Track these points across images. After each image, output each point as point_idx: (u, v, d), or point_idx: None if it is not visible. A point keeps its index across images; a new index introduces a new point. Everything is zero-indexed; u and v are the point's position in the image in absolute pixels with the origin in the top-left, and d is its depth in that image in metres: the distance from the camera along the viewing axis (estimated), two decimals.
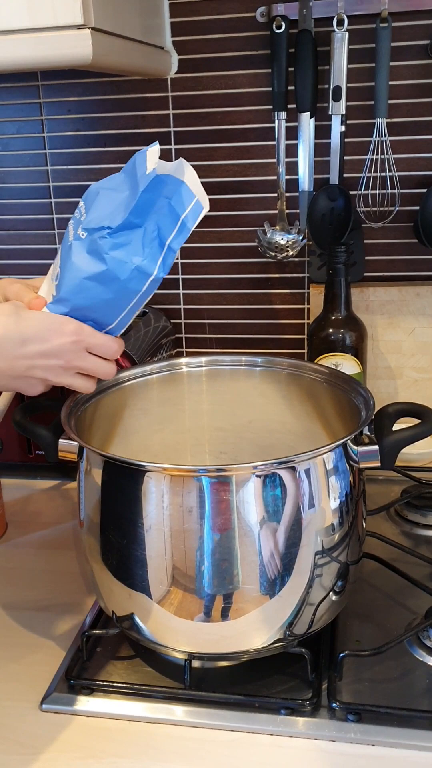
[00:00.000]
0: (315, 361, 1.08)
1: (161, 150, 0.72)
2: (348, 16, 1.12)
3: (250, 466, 0.70)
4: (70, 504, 1.13)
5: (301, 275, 1.29)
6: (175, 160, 0.75)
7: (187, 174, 0.72)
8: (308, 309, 1.30)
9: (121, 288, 0.71)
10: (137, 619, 0.75)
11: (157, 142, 0.73)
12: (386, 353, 1.25)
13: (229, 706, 0.73)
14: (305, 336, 1.31)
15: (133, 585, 0.73)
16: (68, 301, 0.72)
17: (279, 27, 1.14)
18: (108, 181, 0.74)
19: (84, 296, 0.71)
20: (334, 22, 1.12)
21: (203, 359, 0.94)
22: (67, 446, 0.78)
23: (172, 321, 1.32)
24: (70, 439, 0.77)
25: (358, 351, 1.16)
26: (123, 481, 0.72)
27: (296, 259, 1.27)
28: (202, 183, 1.25)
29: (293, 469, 0.70)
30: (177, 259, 1.31)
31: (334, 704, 0.72)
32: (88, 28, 0.87)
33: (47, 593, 0.93)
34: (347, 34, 1.13)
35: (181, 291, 1.33)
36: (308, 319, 1.31)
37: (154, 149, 0.71)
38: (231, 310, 1.33)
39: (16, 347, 0.70)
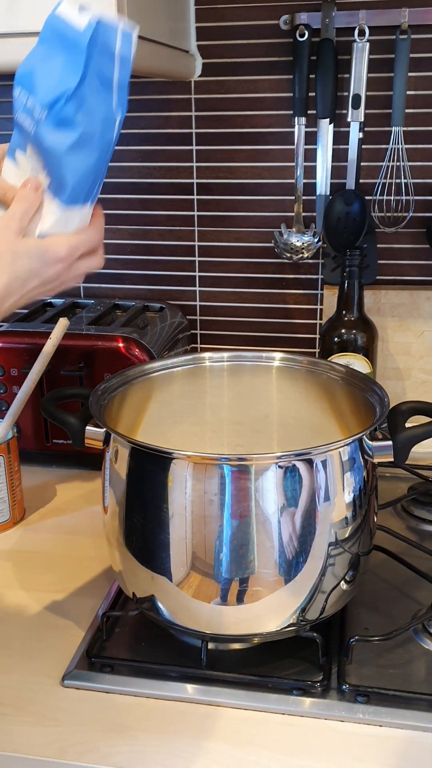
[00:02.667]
0: (325, 360, 1.11)
1: None
2: (369, 27, 1.16)
3: (271, 456, 0.74)
4: (85, 492, 1.17)
5: (315, 276, 1.33)
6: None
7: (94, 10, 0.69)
8: (321, 310, 1.33)
9: (99, 144, 0.69)
10: (157, 601, 0.78)
11: None
12: (396, 354, 1.28)
13: (243, 686, 0.76)
14: (317, 336, 1.35)
15: (155, 568, 0.76)
16: (65, 185, 0.70)
17: (302, 35, 1.18)
18: (32, 57, 0.71)
19: (74, 170, 0.69)
20: (356, 32, 1.16)
21: (225, 354, 0.97)
22: (93, 434, 0.81)
23: (188, 317, 1.36)
24: (97, 426, 0.80)
25: (368, 351, 1.20)
26: (149, 468, 0.75)
27: (311, 261, 1.31)
28: (221, 184, 1.29)
29: (311, 460, 0.74)
30: (194, 256, 1.35)
31: (343, 686, 0.75)
32: None
33: (65, 576, 0.96)
34: (368, 44, 1.16)
35: (197, 288, 1.36)
36: (321, 319, 1.34)
37: (63, 5, 0.68)
38: (246, 309, 1.36)
39: (18, 288, 0.70)
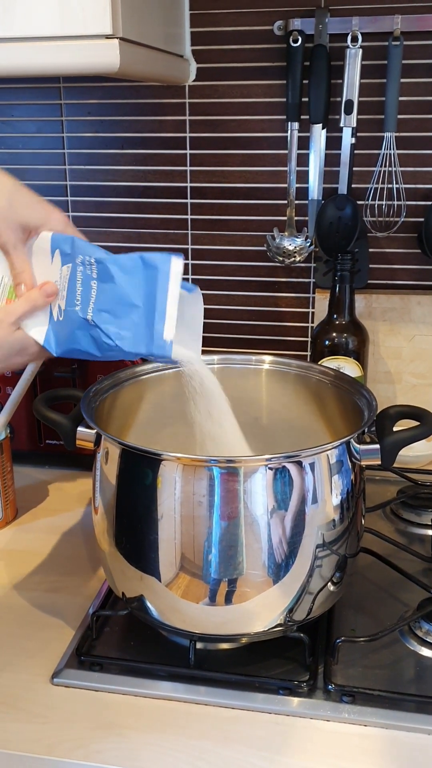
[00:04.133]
0: (315, 363, 1.12)
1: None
2: (362, 34, 1.17)
3: (259, 459, 0.75)
4: (77, 492, 1.17)
5: (306, 280, 1.34)
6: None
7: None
8: (312, 313, 1.34)
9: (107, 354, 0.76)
10: (146, 601, 0.79)
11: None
12: (386, 358, 1.29)
13: (230, 685, 0.77)
14: (309, 339, 1.36)
15: (144, 568, 0.77)
16: (61, 344, 0.77)
17: (295, 41, 1.19)
18: (122, 272, 0.74)
19: (71, 346, 0.77)
20: (349, 38, 1.17)
21: (215, 357, 0.98)
22: (84, 435, 0.82)
23: None
24: (88, 428, 0.81)
25: (359, 355, 1.21)
26: (139, 469, 0.76)
27: (303, 265, 1.32)
28: (215, 188, 1.30)
29: (299, 463, 0.75)
30: (187, 259, 1.36)
31: (329, 686, 0.76)
32: (117, 38, 0.91)
33: (56, 576, 0.97)
34: (361, 50, 1.17)
35: None
36: (312, 323, 1.35)
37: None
38: (238, 312, 1.37)
39: None
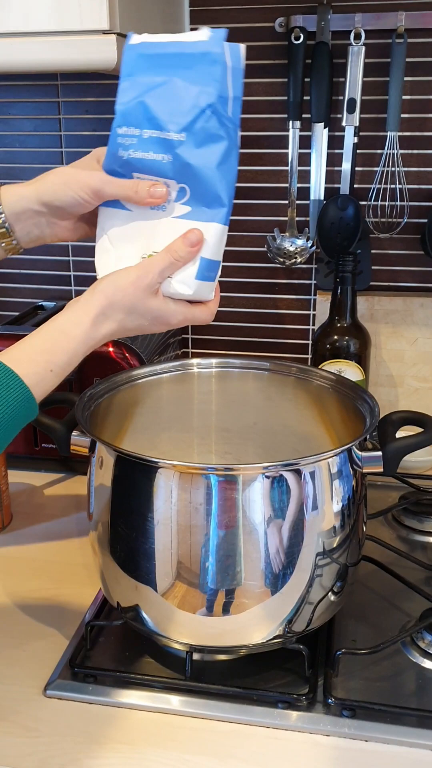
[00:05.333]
0: (319, 367, 1.10)
1: None
2: (365, 31, 1.15)
3: (258, 467, 0.73)
4: (73, 497, 1.15)
5: (308, 282, 1.32)
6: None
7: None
8: (314, 315, 1.32)
9: (235, 149, 0.70)
10: (141, 611, 0.77)
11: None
12: (388, 361, 1.27)
13: (227, 698, 0.75)
14: (310, 342, 1.34)
15: (140, 577, 0.75)
16: (218, 203, 0.70)
17: (297, 38, 1.17)
18: (129, 92, 0.71)
19: (226, 183, 0.70)
20: (351, 35, 1.15)
21: (214, 361, 0.96)
22: (79, 441, 0.80)
23: None
24: (82, 434, 0.79)
25: (361, 358, 1.19)
26: (134, 476, 0.74)
27: (304, 266, 1.30)
28: None
29: (299, 471, 0.73)
30: None
31: (329, 700, 0.74)
32: (114, 33, 0.89)
33: (50, 583, 0.95)
34: (363, 48, 1.15)
35: None
36: (313, 325, 1.33)
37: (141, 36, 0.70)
38: (237, 314, 1.35)
39: (119, 335, 0.72)
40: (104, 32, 0.89)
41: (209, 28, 0.68)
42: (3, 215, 0.73)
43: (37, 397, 0.65)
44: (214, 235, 0.71)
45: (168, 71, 0.69)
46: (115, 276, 0.70)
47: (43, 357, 0.66)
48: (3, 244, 0.75)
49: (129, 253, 0.73)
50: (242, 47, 0.69)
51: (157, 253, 0.71)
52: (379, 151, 1.22)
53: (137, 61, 0.70)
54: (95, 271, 0.74)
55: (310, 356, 1.33)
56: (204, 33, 0.68)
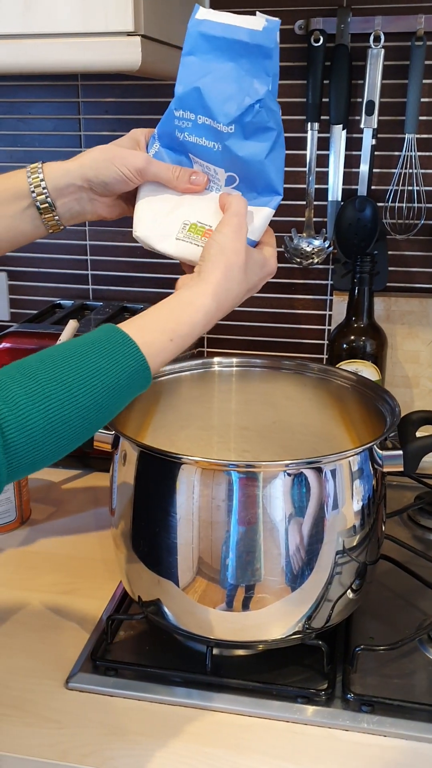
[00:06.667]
0: (335, 367, 1.11)
1: None
2: (384, 33, 1.16)
3: (280, 464, 0.74)
4: (91, 493, 1.16)
5: (324, 282, 1.32)
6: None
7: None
8: (330, 316, 1.33)
9: (281, 135, 0.73)
10: (163, 605, 0.78)
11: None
12: (404, 362, 1.28)
13: (247, 692, 0.76)
14: (326, 342, 1.35)
15: (162, 572, 0.76)
16: (272, 186, 0.74)
17: (317, 40, 1.18)
18: (190, 73, 0.73)
19: (276, 169, 0.73)
20: (371, 38, 1.16)
21: (234, 360, 0.97)
22: (102, 437, 0.81)
23: None
24: (106, 429, 0.80)
25: (377, 359, 1.20)
26: (157, 472, 0.75)
27: (321, 267, 1.31)
28: None
29: (320, 469, 0.74)
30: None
31: (348, 695, 0.75)
32: (138, 35, 0.90)
33: (69, 578, 0.96)
34: (383, 50, 1.16)
35: None
36: (329, 325, 1.34)
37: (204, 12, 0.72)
38: (254, 313, 1.36)
39: (244, 297, 0.75)
40: (129, 34, 0.90)
41: (266, 17, 0.70)
42: (46, 190, 0.75)
43: (155, 367, 0.66)
44: (261, 218, 0.74)
45: (224, 57, 0.71)
46: (214, 242, 0.71)
47: (168, 325, 0.67)
48: (45, 220, 0.77)
49: (169, 218, 0.76)
50: (278, 24, 0.71)
51: (202, 223, 0.74)
52: (396, 153, 1.22)
53: (198, 41, 0.72)
54: (132, 229, 0.77)
55: (326, 356, 1.34)
56: (260, 21, 0.70)
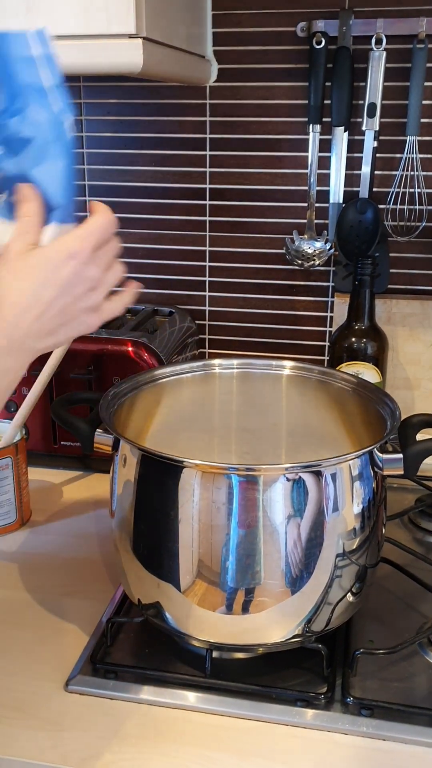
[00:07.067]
0: (336, 369, 1.11)
1: None
2: (386, 36, 1.16)
3: (280, 468, 0.74)
4: (92, 494, 1.16)
5: (325, 284, 1.32)
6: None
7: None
8: (331, 317, 1.33)
9: (59, 150, 0.66)
10: (163, 608, 0.78)
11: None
12: (405, 364, 1.28)
13: (246, 695, 0.76)
14: (326, 344, 1.34)
15: (162, 575, 0.76)
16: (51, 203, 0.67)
17: (318, 42, 1.18)
18: None
19: (52, 181, 0.67)
20: (373, 40, 1.16)
21: (235, 362, 0.97)
22: (102, 439, 0.82)
23: (197, 322, 1.36)
24: (106, 432, 0.80)
25: (378, 361, 1.20)
26: (158, 475, 0.75)
27: (322, 269, 1.31)
28: (234, 189, 1.29)
29: (320, 472, 0.73)
30: (205, 261, 1.35)
31: (348, 699, 0.75)
32: (140, 37, 0.90)
33: (69, 580, 0.96)
34: (385, 53, 1.16)
35: (207, 293, 1.36)
36: (330, 327, 1.34)
37: None
38: (255, 315, 1.36)
39: (30, 305, 0.64)
40: (131, 36, 0.90)
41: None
42: None
43: None
44: (50, 235, 0.67)
45: None
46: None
47: None
48: None
49: None
50: (46, 31, 0.66)
51: None
52: (398, 155, 1.22)
53: None
54: None
55: (327, 358, 1.34)
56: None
